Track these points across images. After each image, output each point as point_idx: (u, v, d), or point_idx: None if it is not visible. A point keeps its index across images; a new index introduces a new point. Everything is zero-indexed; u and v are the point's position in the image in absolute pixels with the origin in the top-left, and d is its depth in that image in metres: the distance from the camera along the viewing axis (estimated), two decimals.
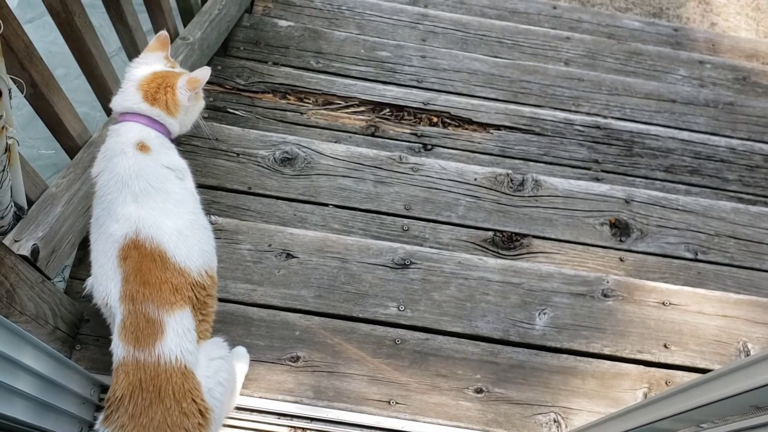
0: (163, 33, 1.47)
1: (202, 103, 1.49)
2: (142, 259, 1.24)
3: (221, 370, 1.32)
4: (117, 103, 1.38)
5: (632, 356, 1.76)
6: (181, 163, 1.41)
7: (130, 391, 1.18)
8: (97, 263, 1.29)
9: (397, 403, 1.62)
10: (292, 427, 1.56)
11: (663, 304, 1.83)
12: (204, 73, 1.39)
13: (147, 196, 1.28)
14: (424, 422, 1.60)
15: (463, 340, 1.72)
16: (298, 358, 1.63)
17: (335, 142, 2.23)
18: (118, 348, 1.22)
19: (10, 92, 1.22)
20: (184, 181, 1.39)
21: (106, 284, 1.25)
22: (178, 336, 1.22)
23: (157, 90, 1.36)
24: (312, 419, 1.57)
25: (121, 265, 1.24)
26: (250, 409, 1.56)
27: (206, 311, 1.34)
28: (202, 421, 1.21)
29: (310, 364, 1.63)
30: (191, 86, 1.37)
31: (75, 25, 1.51)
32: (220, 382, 1.30)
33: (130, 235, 1.25)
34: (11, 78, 1.23)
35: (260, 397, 1.58)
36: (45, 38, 2.26)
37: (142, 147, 1.32)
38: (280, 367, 1.62)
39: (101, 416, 1.22)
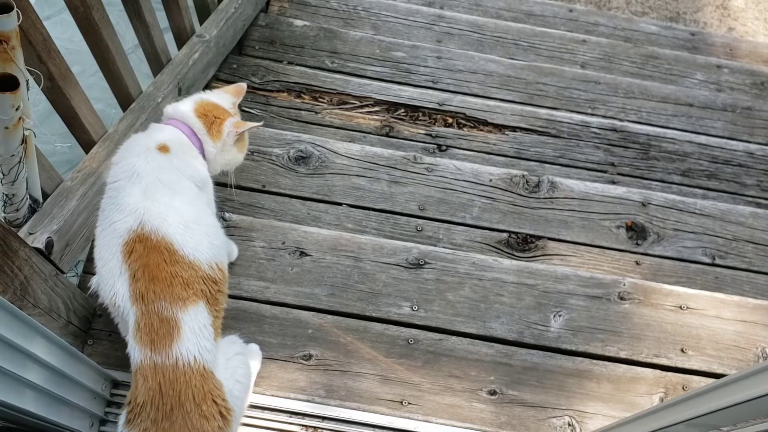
0: (243, 84, 1.60)
1: (240, 157, 1.55)
2: (149, 253, 1.19)
3: (239, 368, 1.30)
4: (170, 107, 1.45)
5: (648, 360, 1.73)
6: (203, 174, 1.40)
7: (150, 396, 1.15)
8: (101, 260, 1.24)
9: (409, 403, 1.60)
10: (303, 425, 1.55)
11: (680, 308, 1.80)
12: (249, 123, 1.48)
13: (156, 190, 1.25)
14: (436, 423, 1.58)
15: (477, 341, 1.70)
16: (310, 357, 1.62)
17: (350, 141, 2.22)
18: (135, 351, 1.18)
19: (27, 84, 1.22)
20: (203, 191, 1.37)
21: (112, 283, 1.21)
22: (195, 334, 1.18)
23: (207, 113, 1.44)
24: (324, 418, 1.56)
25: (126, 260, 1.20)
26: (262, 407, 1.55)
27: (218, 308, 1.29)
28: (222, 423, 1.18)
29: (322, 362, 1.62)
30: (236, 126, 1.46)
31: (93, 20, 1.51)
32: (238, 380, 1.28)
33: (135, 228, 1.21)
34: (29, 70, 1.23)
35: (272, 395, 1.57)
36: (62, 35, 2.27)
37: (164, 148, 1.32)
38: (293, 365, 1.61)
39: (123, 418, 1.18)
